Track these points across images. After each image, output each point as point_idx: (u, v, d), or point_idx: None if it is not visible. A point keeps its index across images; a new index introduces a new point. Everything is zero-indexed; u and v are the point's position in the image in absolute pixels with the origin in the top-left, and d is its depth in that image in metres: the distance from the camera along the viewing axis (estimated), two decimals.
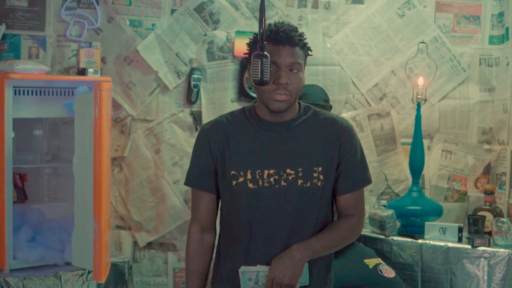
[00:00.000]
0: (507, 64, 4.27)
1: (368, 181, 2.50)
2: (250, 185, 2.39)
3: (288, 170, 2.39)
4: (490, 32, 4.44)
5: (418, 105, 4.10)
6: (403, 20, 4.41)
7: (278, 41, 2.36)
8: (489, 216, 3.97)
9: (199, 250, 2.51)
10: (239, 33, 4.30)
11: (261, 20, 2.27)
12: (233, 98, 4.36)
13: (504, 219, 3.85)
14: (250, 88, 4.30)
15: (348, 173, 2.44)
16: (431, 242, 3.88)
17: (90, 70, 3.88)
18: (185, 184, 2.54)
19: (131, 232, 4.34)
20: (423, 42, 4.31)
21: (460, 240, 3.87)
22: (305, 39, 2.42)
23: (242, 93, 4.33)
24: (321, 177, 2.41)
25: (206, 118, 4.32)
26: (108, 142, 3.57)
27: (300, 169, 2.39)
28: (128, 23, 4.25)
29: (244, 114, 2.48)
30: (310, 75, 4.35)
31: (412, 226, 4.01)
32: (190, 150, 4.26)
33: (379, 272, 3.64)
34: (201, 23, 4.31)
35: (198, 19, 4.30)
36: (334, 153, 2.43)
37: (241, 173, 2.40)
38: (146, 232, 4.35)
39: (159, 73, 4.27)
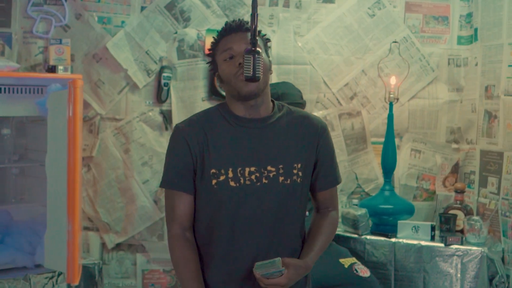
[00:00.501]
0: (476, 64, 4.33)
1: (340, 178, 2.57)
2: (232, 183, 2.34)
3: (269, 167, 2.37)
4: (458, 32, 4.50)
5: (391, 104, 4.12)
6: (373, 20, 4.43)
7: (229, 30, 2.38)
8: (460, 214, 4.01)
9: (187, 250, 2.38)
10: (210, 31, 4.26)
11: (253, 16, 2.26)
12: (204, 96, 4.31)
13: (476, 217, 3.89)
14: (221, 87, 4.26)
15: (328, 170, 2.48)
16: (404, 241, 3.90)
17: (60, 67, 3.79)
18: (161, 186, 2.43)
19: (99, 233, 4.26)
20: (395, 42, 4.33)
21: (432, 238, 3.90)
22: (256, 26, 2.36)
23: (213, 92, 4.29)
24: (300, 173, 2.40)
25: (176, 117, 4.27)
26: (81, 142, 3.49)
27: (281, 165, 2.38)
28: (96, 20, 4.16)
29: (218, 111, 2.43)
30: (282, 74, 4.34)
31: (384, 225, 4.03)
32: (160, 150, 4.29)
33: (355, 271, 3.64)
34: (171, 21, 4.25)
35: (168, 17, 4.24)
36: (312, 150, 2.44)
37: (222, 171, 2.35)
38: (115, 233, 4.27)
39: (129, 71, 4.20)
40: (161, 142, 4.28)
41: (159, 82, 4.21)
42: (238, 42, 2.34)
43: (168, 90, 4.24)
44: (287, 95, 3.58)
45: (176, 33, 4.25)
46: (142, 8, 4.21)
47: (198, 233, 2.43)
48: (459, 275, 3.73)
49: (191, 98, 4.30)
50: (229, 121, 2.39)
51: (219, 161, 2.35)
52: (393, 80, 4.15)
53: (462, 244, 3.80)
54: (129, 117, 4.24)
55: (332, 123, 4.39)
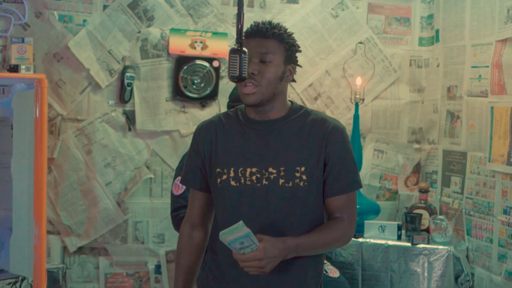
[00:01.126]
0: (438, 66, 4.38)
1: (358, 184, 2.41)
2: (233, 183, 2.36)
3: (270, 169, 2.35)
4: (419, 34, 4.55)
5: (356, 105, 4.14)
6: (337, 21, 4.44)
7: (248, 34, 2.35)
8: (425, 214, 4.05)
9: (187, 245, 2.48)
10: (174, 30, 4.21)
11: (239, 15, 2.24)
12: (168, 97, 4.26)
13: (441, 217, 3.94)
14: (185, 87, 4.22)
15: (337, 175, 2.36)
16: (371, 241, 3.92)
17: (23, 67, 3.68)
18: (180, 182, 2.57)
19: (61, 236, 4.16)
20: (361, 43, 4.36)
21: (399, 238, 3.93)
22: (282, 32, 2.36)
23: (177, 92, 4.24)
24: (304, 177, 2.34)
25: (139, 118, 4.21)
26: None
27: (282, 168, 2.34)
28: (57, 18, 4.07)
29: (236, 113, 2.46)
30: None
31: None
32: (123, 151, 4.23)
33: (324, 272, 3.63)
34: (134, 20, 4.19)
35: (131, 16, 4.18)
36: (320, 154, 2.35)
37: (225, 170, 2.37)
38: (77, 237, 4.18)
39: (91, 70, 4.12)
40: (124, 143, 4.21)
41: (122, 82, 4.15)
42: (253, 47, 2.30)
43: (131, 90, 4.18)
44: None
45: (139, 32, 4.19)
46: (105, 7, 4.14)
47: (213, 228, 2.49)
48: (426, 274, 3.77)
49: (154, 98, 4.24)
50: (241, 122, 2.41)
51: (223, 161, 2.38)
52: (358, 81, 4.17)
53: (428, 243, 3.84)
54: (91, 117, 4.17)
55: None
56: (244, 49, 2.23)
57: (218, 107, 4.31)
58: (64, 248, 4.18)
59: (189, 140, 4.25)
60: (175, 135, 4.29)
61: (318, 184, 2.36)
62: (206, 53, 4.23)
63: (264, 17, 4.35)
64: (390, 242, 3.88)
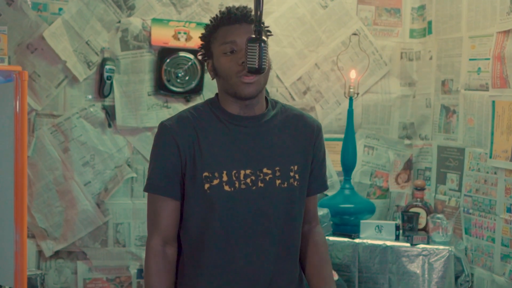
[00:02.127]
0: (430, 58, 4.23)
1: (327, 185, 2.41)
2: (226, 188, 2.14)
3: (265, 170, 2.17)
4: (410, 25, 4.38)
5: (351, 99, 3.96)
6: (326, 11, 4.25)
7: (233, 20, 2.15)
8: (422, 212, 3.89)
9: (161, 266, 2.16)
10: (156, 20, 3.98)
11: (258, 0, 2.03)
12: (150, 91, 4.03)
13: (440, 215, 3.78)
14: (168, 81, 3.99)
15: (317, 175, 2.30)
16: (368, 241, 3.74)
17: None
18: (145, 190, 2.20)
19: (36, 240, 3.90)
20: (355, 34, 4.18)
21: (397, 238, 3.76)
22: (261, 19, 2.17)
23: (160, 86, 4.00)
24: (297, 176, 2.21)
25: (120, 113, 3.96)
26: None
27: (277, 168, 2.18)
28: (31, 6, 3.80)
29: (209, 108, 2.21)
30: None
31: (345, 225, 3.86)
32: (103, 148, 3.98)
33: None
34: (114, 9, 3.94)
35: (111, 4, 3.94)
36: (309, 152, 2.25)
37: (216, 174, 2.13)
38: (53, 240, 3.92)
39: (68, 63, 3.87)
40: (103, 140, 3.96)
41: (101, 75, 3.90)
42: (242, 35, 2.09)
43: (111, 84, 3.93)
44: None
45: (119, 22, 3.95)
46: None
47: (186, 241, 2.21)
48: (426, 275, 3.61)
49: (136, 92, 4.00)
50: (221, 119, 2.18)
51: (212, 163, 2.14)
52: (352, 74, 3.99)
53: (428, 243, 3.68)
54: (68, 113, 3.91)
55: None
56: (264, 38, 2.03)
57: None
58: (40, 253, 3.92)
59: None
60: None
61: (306, 182, 2.26)
62: (191, 44, 4.01)
63: (250, 6, 4.13)
64: (388, 243, 3.70)
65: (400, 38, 4.38)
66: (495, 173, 3.59)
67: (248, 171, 2.14)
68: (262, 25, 2.04)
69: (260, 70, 2.02)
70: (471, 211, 3.77)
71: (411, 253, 3.66)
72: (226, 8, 2.18)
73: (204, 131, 2.16)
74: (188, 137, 2.14)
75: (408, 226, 3.80)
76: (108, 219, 3.99)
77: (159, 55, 3.98)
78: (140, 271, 4.04)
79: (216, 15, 2.19)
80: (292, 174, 2.19)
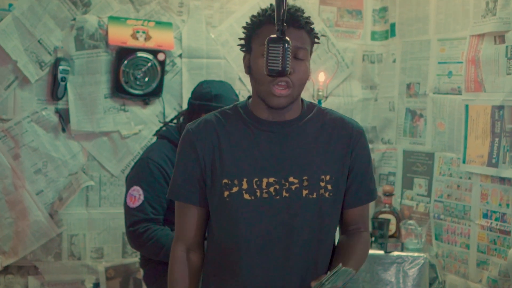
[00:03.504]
0: (394, 61, 4.16)
1: (376, 193, 2.21)
2: (246, 196, 2.01)
3: (290, 179, 2.02)
4: (372, 27, 4.30)
5: (319, 103, 3.83)
6: None
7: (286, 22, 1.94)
8: (392, 218, 3.81)
9: (184, 273, 2.09)
10: (113, 18, 3.76)
11: None
12: (106, 93, 3.81)
13: (411, 221, 3.71)
14: (127, 83, 3.77)
15: (361, 183, 2.10)
16: None
17: None
18: (168, 196, 2.13)
19: None
20: (323, 35, 4.05)
21: (370, 245, 3.65)
22: (312, 23, 2.04)
23: (117, 89, 3.78)
24: (329, 187, 2.04)
25: (74, 117, 3.73)
26: None
27: (305, 177, 2.02)
28: None
29: (237, 112, 2.08)
30: (193, 69, 3.93)
31: None
32: (56, 155, 3.72)
33: None
34: (68, 6, 3.72)
35: (65, 1, 3.71)
36: (345, 160, 2.06)
37: (235, 181, 2.01)
38: (2, 254, 3.67)
39: (18, 63, 3.63)
40: (57, 146, 3.71)
41: (55, 76, 3.68)
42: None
43: (65, 85, 3.70)
44: (221, 97, 3.07)
45: (74, 19, 3.73)
46: None
47: (211, 248, 2.12)
48: (401, 283, 3.52)
49: (91, 95, 3.76)
50: (247, 123, 2.04)
51: (232, 170, 2.01)
52: (321, 77, 3.87)
53: (402, 250, 3.59)
54: (19, 117, 3.67)
55: None
56: (287, 38, 1.86)
57: (162, 104, 3.88)
58: None
59: (130, 142, 3.85)
60: (115, 137, 3.82)
61: (342, 194, 2.09)
62: (150, 44, 3.80)
63: (211, 5, 3.97)
64: None
65: (361, 40, 4.30)
66: (469, 178, 3.54)
67: (271, 179, 2.01)
68: (311, 29, 1.93)
69: (284, 72, 1.85)
70: (442, 216, 3.71)
71: (385, 261, 3.58)
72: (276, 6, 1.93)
73: (227, 135, 2.04)
74: (209, 141, 2.04)
75: (379, 233, 3.71)
76: (62, 230, 3.76)
77: (116, 55, 3.76)
78: (96, 285, 3.80)
79: (266, 9, 2.02)
80: (323, 184, 2.03)
